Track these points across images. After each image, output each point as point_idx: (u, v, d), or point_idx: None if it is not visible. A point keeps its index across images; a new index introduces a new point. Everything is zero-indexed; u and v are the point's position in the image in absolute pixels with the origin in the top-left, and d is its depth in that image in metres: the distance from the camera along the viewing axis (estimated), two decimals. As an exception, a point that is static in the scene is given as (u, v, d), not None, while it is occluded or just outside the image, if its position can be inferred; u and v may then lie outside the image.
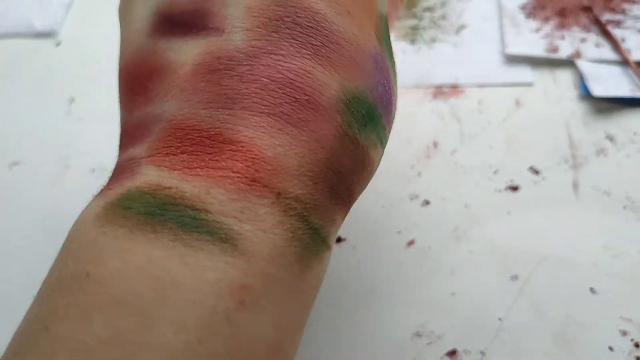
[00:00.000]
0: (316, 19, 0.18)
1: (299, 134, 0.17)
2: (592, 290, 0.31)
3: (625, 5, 0.43)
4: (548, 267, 0.32)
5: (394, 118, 0.22)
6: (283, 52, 0.18)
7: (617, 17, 0.42)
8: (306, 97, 0.18)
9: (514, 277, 0.32)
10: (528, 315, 0.31)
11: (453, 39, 0.43)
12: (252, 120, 0.17)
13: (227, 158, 0.17)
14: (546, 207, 0.34)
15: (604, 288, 0.31)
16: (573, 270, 0.32)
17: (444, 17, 0.45)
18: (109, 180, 0.19)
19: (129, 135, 0.19)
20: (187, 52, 0.18)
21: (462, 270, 0.32)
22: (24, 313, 0.17)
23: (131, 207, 0.16)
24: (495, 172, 0.36)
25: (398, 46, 0.43)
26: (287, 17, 0.18)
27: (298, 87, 0.18)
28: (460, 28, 0.44)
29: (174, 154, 0.17)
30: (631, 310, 0.30)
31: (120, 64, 0.21)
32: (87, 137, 0.40)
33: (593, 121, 0.38)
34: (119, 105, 0.21)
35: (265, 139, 0.17)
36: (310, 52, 0.18)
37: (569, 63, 0.41)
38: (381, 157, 0.21)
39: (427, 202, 0.35)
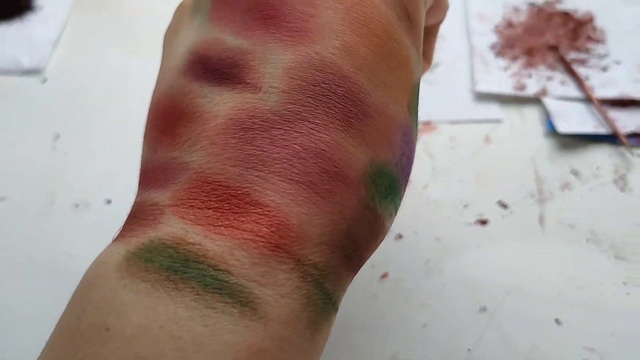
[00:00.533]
0: (353, 89, 0.18)
1: (324, 204, 0.18)
2: (557, 321, 0.32)
3: (589, 45, 0.45)
4: (515, 299, 0.33)
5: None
6: (317, 122, 0.18)
7: (582, 56, 0.45)
8: (335, 170, 0.18)
9: (483, 309, 0.33)
10: (496, 346, 0.32)
11: (427, 76, 0.45)
12: (280, 185, 0.17)
13: (253, 221, 0.17)
14: (514, 240, 0.36)
15: (568, 319, 0.32)
16: (539, 301, 0.33)
17: (417, 56, 0.47)
18: (129, 221, 0.19)
19: (151, 175, 0.19)
20: (220, 104, 0.18)
21: (434, 302, 0.33)
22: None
23: (154, 260, 0.17)
24: (465, 207, 0.37)
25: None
26: (325, 83, 0.18)
27: (329, 158, 0.18)
28: (433, 66, 0.46)
29: (198, 208, 0.17)
30: (594, 341, 0.32)
31: (152, 96, 0.21)
32: (71, 173, 0.41)
33: (558, 157, 0.40)
34: (143, 136, 0.21)
35: (292, 206, 0.17)
36: (343, 124, 0.18)
37: (535, 100, 0.43)
38: (392, 223, 0.21)
39: (400, 236, 0.36)
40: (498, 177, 0.39)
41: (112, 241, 0.18)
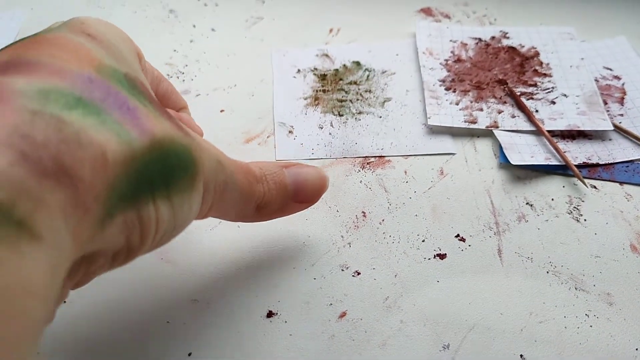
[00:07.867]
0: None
1: None
2: (522, 357, 0.31)
3: (537, 79, 0.46)
4: (478, 335, 0.32)
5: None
6: None
7: (530, 89, 0.45)
8: None
9: (446, 347, 0.32)
10: (461, 386, 0.30)
11: (379, 111, 0.44)
12: None
13: None
14: (473, 274, 0.35)
15: (533, 355, 0.31)
16: (502, 337, 0.32)
17: (369, 90, 0.46)
18: None
19: None
20: None
21: (394, 341, 0.32)
22: None
23: None
24: (423, 241, 0.36)
25: (327, 118, 0.44)
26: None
27: None
28: (385, 101, 0.45)
29: None
30: (560, 375, 0.31)
31: None
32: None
33: (513, 188, 0.39)
34: None
35: None
36: None
37: (488, 133, 0.43)
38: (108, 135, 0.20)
39: (357, 273, 0.35)
40: (454, 210, 0.38)
41: None
